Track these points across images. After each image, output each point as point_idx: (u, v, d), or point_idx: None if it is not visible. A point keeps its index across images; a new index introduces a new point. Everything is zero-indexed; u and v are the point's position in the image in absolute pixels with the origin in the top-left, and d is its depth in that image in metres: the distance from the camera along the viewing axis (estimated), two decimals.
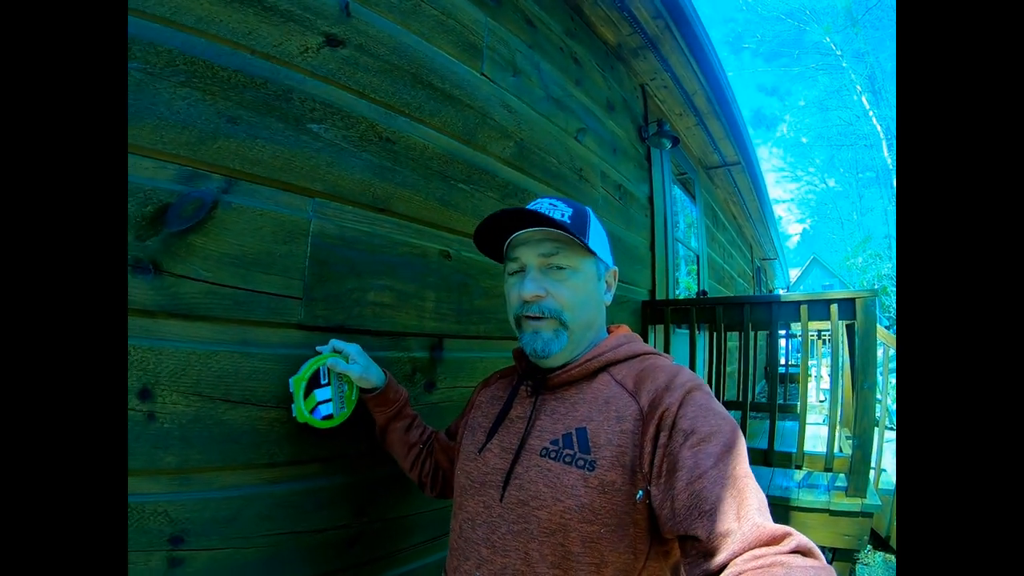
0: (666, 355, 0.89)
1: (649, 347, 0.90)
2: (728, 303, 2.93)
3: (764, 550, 0.57)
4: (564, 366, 0.86)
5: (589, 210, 0.92)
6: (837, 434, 2.50)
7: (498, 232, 0.89)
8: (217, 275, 1.01)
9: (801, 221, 35.43)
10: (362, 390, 1.12)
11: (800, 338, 2.68)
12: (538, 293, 0.84)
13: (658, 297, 3.04)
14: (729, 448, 0.68)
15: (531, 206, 0.87)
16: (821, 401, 6.23)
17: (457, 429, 1.09)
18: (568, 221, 0.85)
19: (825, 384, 7.00)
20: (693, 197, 4.46)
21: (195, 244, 0.99)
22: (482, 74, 1.66)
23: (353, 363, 1.08)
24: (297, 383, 1.05)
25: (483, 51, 1.68)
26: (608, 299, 0.94)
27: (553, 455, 0.78)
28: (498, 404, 0.95)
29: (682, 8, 2.68)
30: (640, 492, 0.72)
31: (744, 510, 0.62)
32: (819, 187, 30.20)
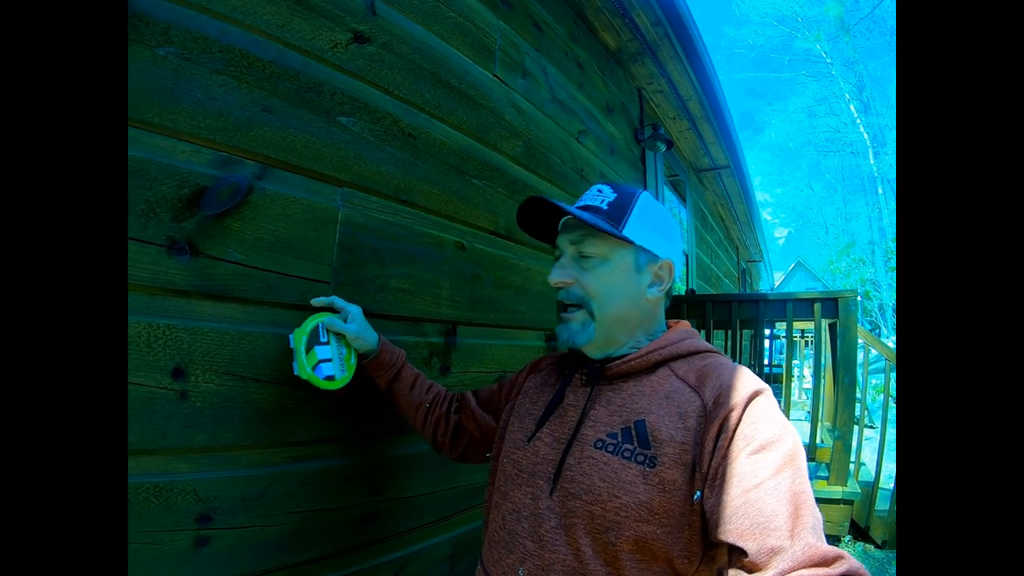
0: (725, 354, 0.87)
1: (710, 344, 0.87)
2: (717, 300, 3.05)
3: (814, 571, 0.54)
4: (622, 356, 0.83)
5: (640, 196, 0.86)
6: (819, 427, 2.62)
7: (534, 220, 0.91)
8: (251, 258, 1.05)
9: (785, 224, 35.94)
10: (359, 355, 1.11)
11: (784, 339, 2.77)
12: (562, 279, 0.83)
13: None
14: (789, 460, 0.66)
15: (588, 191, 0.88)
16: (803, 400, 6.39)
17: (490, 400, 1.11)
18: (604, 207, 0.83)
19: (807, 384, 7.18)
20: (683, 198, 4.57)
21: (230, 227, 1.02)
22: (495, 76, 1.73)
23: (352, 322, 1.08)
24: (298, 337, 1.04)
25: (495, 53, 1.76)
26: (654, 293, 0.85)
27: (610, 448, 0.75)
28: (548, 391, 0.91)
29: (680, 16, 2.78)
30: (698, 493, 0.68)
31: (798, 528, 0.59)
32: (804, 192, 30.66)
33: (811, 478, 2.44)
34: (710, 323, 2.89)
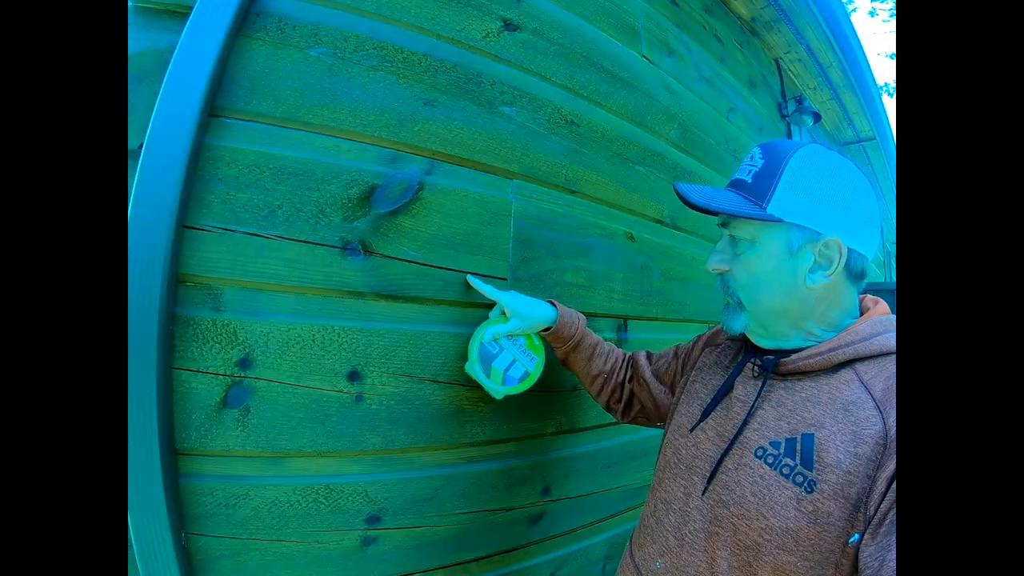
0: None
1: None
2: (874, 289, 2.70)
3: None
4: (798, 350, 0.71)
5: (794, 156, 0.69)
6: None
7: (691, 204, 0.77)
8: (426, 256, 1.04)
9: None
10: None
11: None
12: (717, 266, 0.75)
13: None
14: None
15: (745, 156, 0.76)
16: None
17: (666, 371, 1.03)
18: (750, 180, 0.70)
19: None
20: None
21: (403, 225, 1.01)
22: (643, 56, 1.63)
23: (514, 317, 1.02)
24: (471, 369, 1.02)
25: (640, 32, 1.65)
26: (817, 280, 0.69)
27: (770, 460, 0.67)
28: (720, 375, 0.83)
29: None
30: (856, 536, 0.59)
31: None
32: None
33: None
34: None
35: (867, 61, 3.58)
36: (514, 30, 1.24)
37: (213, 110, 0.89)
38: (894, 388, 0.63)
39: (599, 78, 1.42)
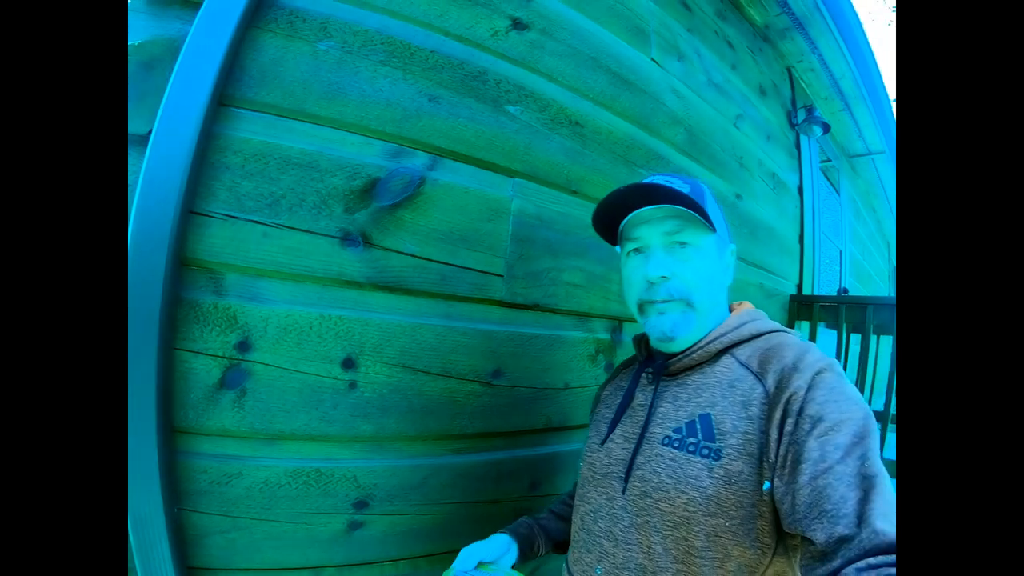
0: (793, 331, 0.82)
1: (775, 324, 0.83)
2: (879, 303, 2.69)
3: (881, 559, 0.52)
4: (685, 350, 0.80)
5: (705, 184, 0.86)
6: None
7: (614, 211, 0.83)
8: (424, 250, 1.05)
9: None
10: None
11: None
12: (665, 274, 0.78)
13: (804, 292, 2.86)
14: (860, 439, 0.62)
15: (648, 181, 0.80)
16: None
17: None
18: (690, 194, 0.79)
19: None
20: (837, 189, 4.14)
21: (404, 219, 1.03)
22: (651, 59, 1.64)
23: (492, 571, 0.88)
24: None
25: (650, 36, 1.66)
26: (728, 280, 0.86)
27: (676, 444, 0.74)
28: (621, 394, 0.90)
29: None
30: (767, 483, 0.66)
31: (867, 513, 0.56)
32: None
33: None
34: (869, 328, 2.56)
35: (880, 73, 3.55)
36: (523, 29, 1.25)
37: (222, 99, 0.91)
38: (767, 359, 0.73)
39: (606, 80, 1.43)
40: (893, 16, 17.25)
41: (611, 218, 0.84)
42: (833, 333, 2.76)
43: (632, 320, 1.48)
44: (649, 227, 0.80)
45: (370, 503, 1.02)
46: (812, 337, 2.68)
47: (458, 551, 0.80)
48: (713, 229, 0.79)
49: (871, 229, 5.84)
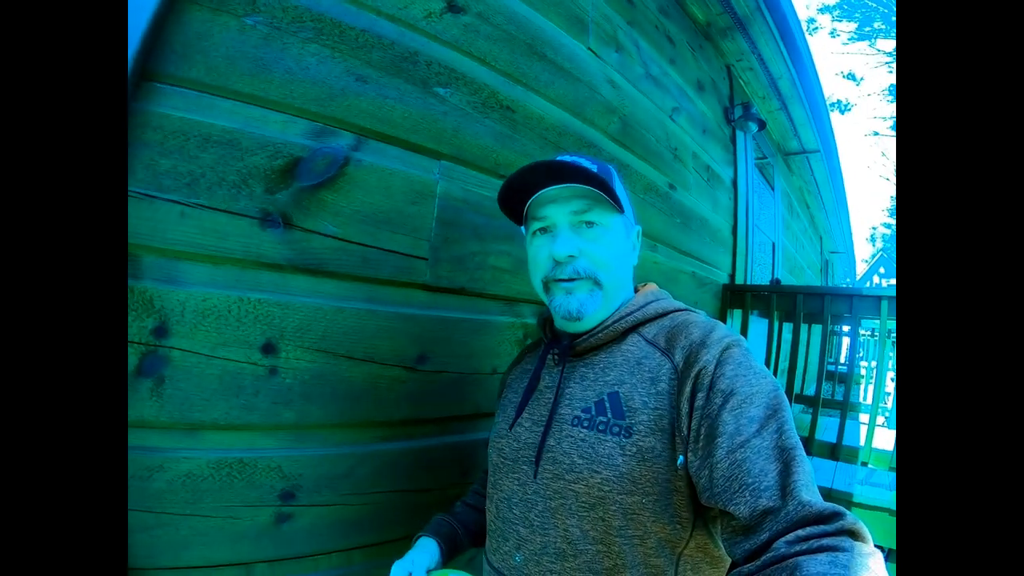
0: (698, 311, 0.83)
1: (680, 304, 0.84)
2: (809, 292, 2.83)
3: (809, 530, 0.51)
4: (591, 330, 0.80)
5: (612, 166, 0.86)
6: None
7: (521, 190, 0.81)
8: (347, 232, 1.03)
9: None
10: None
11: (868, 338, 2.54)
12: (572, 253, 0.77)
13: (737, 282, 2.98)
14: (773, 412, 0.62)
15: (556, 159, 0.79)
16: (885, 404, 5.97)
17: None
18: (600, 174, 0.77)
19: (890, 388, 6.72)
20: (771, 185, 4.31)
21: (326, 200, 1.00)
22: (589, 48, 1.65)
23: None
24: None
25: (589, 25, 1.68)
26: (635, 259, 0.87)
27: (586, 424, 0.73)
28: (527, 378, 0.88)
29: None
30: (680, 457, 0.66)
31: (790, 486, 0.55)
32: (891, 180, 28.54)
33: (891, 487, 2.22)
34: (799, 316, 2.70)
35: (818, 77, 3.71)
36: (458, 12, 1.23)
37: (143, 74, 0.86)
38: (674, 336, 0.74)
39: (540, 66, 1.44)
40: (834, 25, 17.96)
41: (518, 197, 0.83)
42: (765, 322, 2.90)
43: None
44: (556, 206, 0.79)
45: (297, 494, 0.99)
46: (744, 325, 2.80)
47: (393, 542, 0.76)
48: (621, 210, 0.80)
49: (804, 224, 6.14)
